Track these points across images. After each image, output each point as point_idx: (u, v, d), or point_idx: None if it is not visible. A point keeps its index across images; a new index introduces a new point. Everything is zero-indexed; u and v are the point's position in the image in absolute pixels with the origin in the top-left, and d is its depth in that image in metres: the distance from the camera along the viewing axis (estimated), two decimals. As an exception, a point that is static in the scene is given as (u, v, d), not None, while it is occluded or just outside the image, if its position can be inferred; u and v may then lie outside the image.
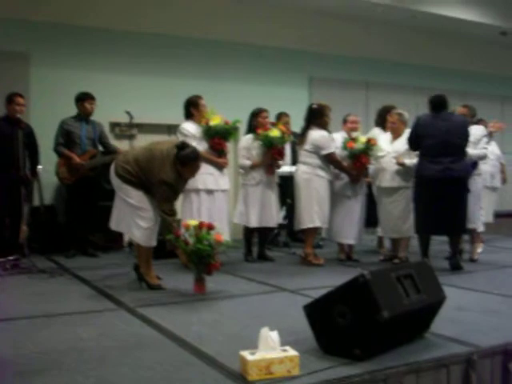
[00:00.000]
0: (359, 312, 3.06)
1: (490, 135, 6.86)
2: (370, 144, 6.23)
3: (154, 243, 5.07)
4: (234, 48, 8.88)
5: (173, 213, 4.83)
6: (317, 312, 3.27)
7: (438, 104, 5.95)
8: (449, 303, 3.70)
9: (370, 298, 3.02)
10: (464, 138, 5.84)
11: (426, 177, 5.80)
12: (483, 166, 7.70)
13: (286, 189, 7.02)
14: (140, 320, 4.01)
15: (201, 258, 4.73)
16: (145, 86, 8.02)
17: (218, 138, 5.92)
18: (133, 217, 4.92)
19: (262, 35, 9.00)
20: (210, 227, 4.83)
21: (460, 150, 5.79)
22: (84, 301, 4.62)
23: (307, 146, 6.21)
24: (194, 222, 4.86)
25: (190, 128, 5.92)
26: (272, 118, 7.37)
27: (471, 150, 6.10)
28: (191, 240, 4.73)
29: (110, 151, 6.80)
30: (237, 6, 8.79)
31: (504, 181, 8.27)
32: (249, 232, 6.55)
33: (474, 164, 6.41)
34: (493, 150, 7.93)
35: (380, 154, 6.25)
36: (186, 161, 4.74)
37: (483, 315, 4.10)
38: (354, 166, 6.28)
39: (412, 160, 6.03)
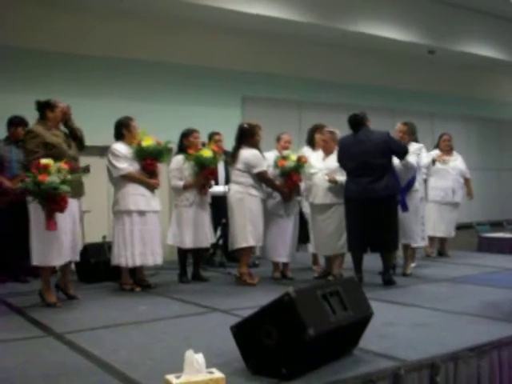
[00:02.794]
0: (285, 331, 3.04)
1: (433, 163, 7.01)
2: (301, 162, 6.27)
3: (53, 263, 5.21)
4: (166, 68, 8.84)
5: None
6: (244, 332, 3.23)
7: (355, 124, 6.07)
8: (378, 318, 3.73)
9: (295, 316, 3.00)
10: (385, 154, 5.93)
11: (349, 197, 5.96)
12: (444, 182, 7.90)
13: (220, 208, 6.98)
14: (67, 346, 3.90)
15: (49, 194, 4.82)
16: (75, 108, 7.83)
17: (150, 158, 5.84)
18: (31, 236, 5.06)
19: (194, 55, 9.00)
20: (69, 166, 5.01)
21: (380, 169, 5.87)
22: (11, 328, 4.46)
23: (239, 166, 6.20)
24: (47, 161, 4.91)
25: (121, 148, 5.83)
26: (204, 138, 7.35)
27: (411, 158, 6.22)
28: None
29: None
30: (169, 26, 8.76)
31: (471, 196, 8.40)
32: (183, 253, 6.48)
33: (411, 181, 6.49)
34: (456, 165, 8.11)
35: (312, 171, 6.28)
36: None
37: (412, 329, 4.13)
38: (285, 184, 6.29)
39: (344, 177, 6.10)
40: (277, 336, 3.05)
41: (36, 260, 5.15)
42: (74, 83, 8.01)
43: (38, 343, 4.03)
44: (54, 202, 4.88)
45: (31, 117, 5.82)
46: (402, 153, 6.07)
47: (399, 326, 4.22)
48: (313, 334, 2.97)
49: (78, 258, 5.52)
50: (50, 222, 4.91)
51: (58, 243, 5.11)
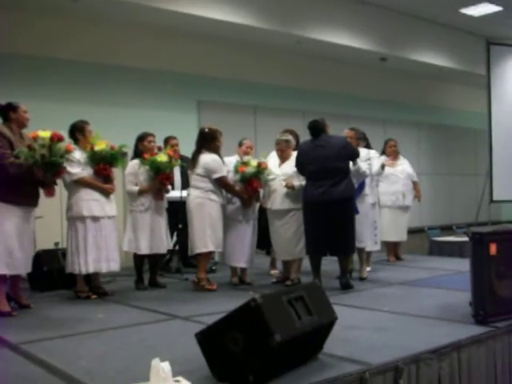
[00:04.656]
0: (251, 337, 3.02)
1: (382, 168, 7.11)
2: (261, 168, 6.27)
3: (2, 271, 5.05)
4: (122, 72, 8.73)
5: None
6: (209, 339, 3.20)
7: (315, 129, 6.14)
8: (341, 322, 3.74)
9: (262, 322, 2.99)
10: (344, 159, 6.01)
11: (308, 201, 6.00)
12: (394, 186, 8.01)
13: (177, 214, 6.93)
14: (23, 357, 3.78)
15: (52, 167, 5.06)
16: (34, 111, 7.62)
17: (104, 163, 5.75)
18: None
19: (150, 59, 8.92)
20: (60, 138, 5.15)
21: (340, 173, 5.94)
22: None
23: (199, 170, 6.16)
24: (44, 134, 5.08)
25: (75, 153, 5.70)
26: (161, 142, 7.29)
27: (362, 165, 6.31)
28: (42, 150, 4.99)
29: None
30: (125, 30, 8.67)
31: (419, 199, 8.52)
32: (139, 259, 6.40)
33: (361, 185, 6.59)
34: (404, 169, 8.24)
35: (270, 177, 6.30)
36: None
37: (373, 333, 4.17)
38: (245, 190, 6.29)
39: (301, 182, 6.14)
40: (243, 342, 3.03)
41: None
42: (27, 84, 7.83)
43: (-8, 355, 3.90)
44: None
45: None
46: (355, 157, 6.17)
47: (361, 330, 4.26)
48: (279, 339, 2.96)
49: (29, 269, 5.40)
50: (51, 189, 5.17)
51: (8, 252, 5.01)
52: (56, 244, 6.99)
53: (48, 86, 8.05)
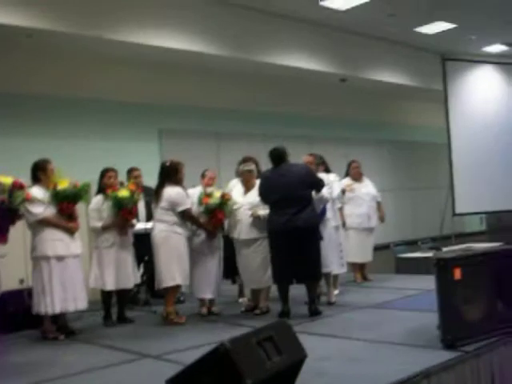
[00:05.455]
0: (223, 382, 3.01)
1: (343, 193, 7.17)
2: (225, 199, 6.28)
3: None
4: (82, 104, 8.65)
5: None
6: (180, 385, 3.18)
7: (276, 158, 6.19)
8: (311, 354, 3.72)
9: (232, 367, 2.98)
10: (306, 186, 6.05)
11: (273, 230, 6.03)
12: (359, 209, 8.07)
13: (142, 245, 6.86)
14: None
15: (10, 213, 5.05)
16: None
17: (67, 201, 5.69)
18: None
19: (109, 90, 8.86)
20: (22, 186, 5.16)
21: (303, 201, 5.98)
22: None
23: (163, 204, 6.13)
24: (6, 179, 5.04)
25: (37, 193, 5.63)
26: (124, 173, 7.25)
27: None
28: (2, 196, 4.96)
29: None
30: (83, 62, 8.61)
31: (382, 219, 8.55)
32: (106, 295, 6.32)
33: (323, 211, 6.62)
34: (368, 191, 8.30)
35: (234, 207, 6.31)
36: None
37: (345, 364, 4.20)
38: (210, 222, 6.28)
39: (266, 211, 6.16)
40: (214, 388, 3.02)
41: None
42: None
43: None
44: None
45: None
46: (320, 186, 6.22)
47: (332, 361, 4.27)
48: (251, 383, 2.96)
49: None
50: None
51: None
52: (21, 281, 6.89)
53: (6, 122, 7.93)
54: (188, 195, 6.28)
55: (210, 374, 3.04)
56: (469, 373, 4.14)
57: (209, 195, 6.29)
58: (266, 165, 6.51)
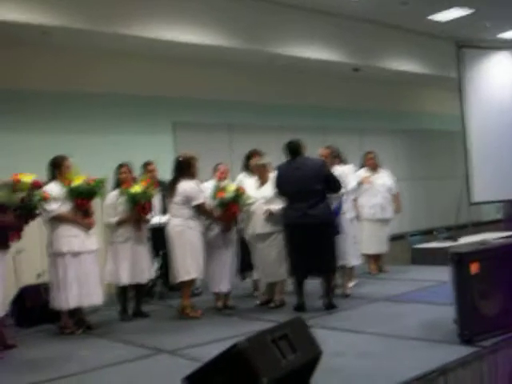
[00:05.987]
0: (239, 381, 3.02)
1: (359, 184, 7.13)
2: (239, 192, 6.27)
3: None
4: (96, 99, 8.67)
5: None
6: (196, 384, 3.19)
7: (292, 151, 6.18)
8: (326, 349, 3.73)
9: (248, 366, 2.99)
10: (321, 181, 6.01)
11: (287, 223, 6.03)
12: (373, 200, 8.03)
13: (157, 239, 6.88)
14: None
15: (27, 212, 5.12)
16: (7, 143, 7.61)
17: (82, 198, 5.72)
18: None
19: (122, 84, 8.87)
20: (40, 186, 5.25)
21: (317, 195, 5.96)
22: None
23: (177, 199, 6.14)
24: (26, 178, 5.12)
25: (53, 189, 5.67)
26: (139, 167, 7.27)
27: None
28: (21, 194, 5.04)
29: None
30: (96, 57, 8.62)
31: (398, 210, 8.51)
32: (121, 289, 6.36)
33: (340, 204, 6.59)
34: (383, 182, 8.25)
35: (249, 201, 6.31)
36: None
37: (358, 360, 4.18)
38: (224, 216, 6.28)
39: (280, 206, 6.15)
40: (230, 387, 3.03)
41: None
42: (5, 118, 7.77)
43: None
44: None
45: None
46: (336, 187, 6.18)
47: (346, 357, 4.26)
48: (266, 383, 2.96)
49: (6, 310, 5.34)
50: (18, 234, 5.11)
51: None
52: (38, 276, 6.95)
53: (20, 118, 7.98)
54: (202, 189, 6.28)
55: (225, 373, 3.05)
56: (486, 369, 4.11)
57: (223, 189, 6.29)
58: (279, 157, 6.49)
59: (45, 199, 5.28)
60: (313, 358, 3.51)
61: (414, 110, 13.72)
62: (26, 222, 5.18)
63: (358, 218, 7.70)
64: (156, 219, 6.86)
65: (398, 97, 13.29)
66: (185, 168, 6.22)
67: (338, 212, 6.47)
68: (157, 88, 9.24)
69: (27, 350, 5.25)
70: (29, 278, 6.91)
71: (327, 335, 4.85)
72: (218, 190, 6.31)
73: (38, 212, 5.26)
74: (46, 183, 5.64)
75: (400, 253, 10.36)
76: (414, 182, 13.06)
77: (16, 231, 5.14)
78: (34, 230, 6.26)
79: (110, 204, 6.27)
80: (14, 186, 5.03)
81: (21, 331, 5.97)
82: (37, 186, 5.14)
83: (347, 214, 6.80)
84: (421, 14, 10.93)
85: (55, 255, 5.70)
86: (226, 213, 6.26)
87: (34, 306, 6.32)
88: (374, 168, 8.28)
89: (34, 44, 7.95)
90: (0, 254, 5.15)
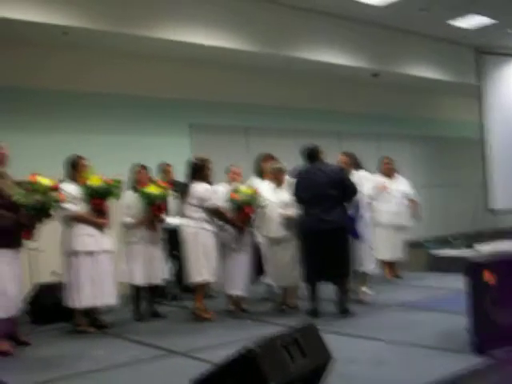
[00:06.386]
0: (248, 385, 3.02)
1: (375, 191, 7.10)
2: (253, 194, 6.28)
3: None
4: (113, 100, 8.72)
5: None
6: (205, 387, 3.19)
7: (309, 156, 6.19)
8: (338, 355, 3.71)
9: (257, 370, 2.98)
10: (338, 186, 6.00)
11: (302, 228, 6.04)
12: (388, 205, 8.00)
13: (172, 240, 6.91)
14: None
15: (41, 213, 5.11)
16: (22, 143, 7.68)
17: (97, 198, 5.76)
18: None
19: (140, 85, 8.91)
20: (57, 188, 5.23)
21: (333, 200, 5.95)
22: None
23: (191, 201, 6.17)
24: (44, 180, 5.13)
25: (69, 188, 5.72)
26: (155, 168, 7.30)
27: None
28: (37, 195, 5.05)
29: None
30: (114, 58, 8.66)
31: (415, 217, 8.46)
32: (135, 290, 6.39)
33: (357, 209, 6.57)
34: (399, 187, 8.22)
35: (264, 204, 6.31)
36: None
37: (371, 367, 4.17)
38: (238, 217, 6.29)
39: (295, 210, 6.16)
40: (239, 391, 3.03)
41: None
42: (20, 118, 7.84)
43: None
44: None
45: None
46: (352, 195, 6.15)
47: (359, 364, 4.25)
48: (275, 388, 2.96)
49: (19, 309, 5.36)
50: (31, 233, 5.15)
51: (3, 294, 5.02)
52: (53, 273, 7.00)
53: (43, 118, 8.06)
54: (216, 191, 6.30)
55: (234, 377, 3.04)
56: (498, 378, 4.08)
57: (236, 190, 6.30)
58: (295, 161, 6.49)
59: (60, 201, 5.32)
60: (323, 363, 3.49)
61: (432, 116, 13.63)
62: (41, 222, 5.20)
63: (373, 223, 7.69)
64: (171, 220, 6.89)
65: (416, 103, 13.21)
66: (199, 170, 6.25)
67: (355, 217, 6.46)
68: (174, 90, 9.26)
69: (41, 348, 5.30)
70: (44, 276, 6.97)
71: (340, 341, 4.85)
72: (231, 191, 6.32)
73: (52, 213, 5.27)
74: (61, 182, 5.69)
75: (416, 259, 10.27)
76: (431, 188, 12.96)
77: (28, 230, 5.17)
78: (50, 229, 6.33)
79: (125, 204, 6.30)
80: (31, 186, 5.06)
81: (36, 328, 6.02)
82: (54, 188, 5.16)
83: (364, 218, 6.78)
84: (441, 20, 10.87)
85: (70, 254, 5.75)
86: (240, 215, 6.27)
87: (49, 304, 6.37)
88: (390, 174, 8.25)
89: (53, 44, 8.01)
90: (14, 252, 5.20)
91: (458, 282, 7.11)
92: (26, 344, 5.35)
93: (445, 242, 11.07)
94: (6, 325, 5.23)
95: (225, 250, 6.36)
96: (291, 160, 6.80)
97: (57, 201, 5.24)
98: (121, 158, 7.33)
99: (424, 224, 11.47)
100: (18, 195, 5.02)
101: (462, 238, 11.07)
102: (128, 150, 8.28)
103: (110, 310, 6.49)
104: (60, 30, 7.48)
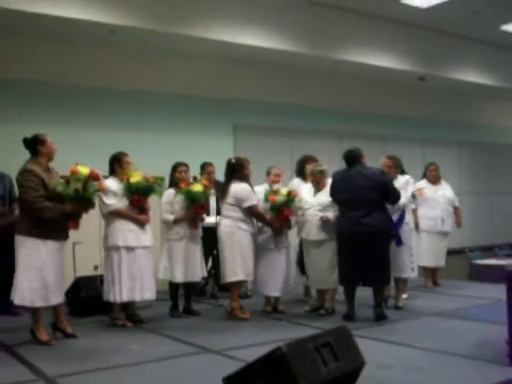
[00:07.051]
0: (278, 385, 3.03)
1: (413, 197, 7.02)
2: (292, 196, 6.27)
3: (36, 304, 5.16)
4: (157, 98, 8.86)
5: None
6: (236, 385, 3.21)
7: (350, 160, 6.13)
8: (371, 360, 3.71)
9: (288, 371, 2.99)
10: (378, 190, 5.94)
11: (341, 232, 6.01)
12: (432, 212, 7.91)
13: (212, 239, 6.95)
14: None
15: (83, 202, 5.16)
16: (64, 139, 7.81)
17: (139, 194, 5.83)
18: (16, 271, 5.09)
19: (185, 84, 9.00)
20: (97, 177, 5.26)
21: (373, 203, 5.90)
22: (1, 371, 4.39)
23: (229, 200, 6.20)
24: (83, 169, 5.18)
25: (111, 184, 5.81)
26: (197, 168, 7.36)
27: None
28: (76, 184, 5.12)
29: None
30: (160, 56, 8.79)
31: (459, 225, 8.39)
32: (174, 287, 6.45)
33: (402, 216, 6.51)
34: (444, 193, 8.12)
35: (305, 206, 6.29)
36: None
37: (405, 374, 4.11)
38: (276, 219, 6.29)
39: (336, 213, 6.14)
40: (269, 390, 3.04)
41: (18, 299, 5.14)
42: (63, 113, 8.03)
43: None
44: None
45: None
46: (395, 199, 6.11)
47: (392, 370, 4.20)
48: (305, 389, 2.96)
49: (62, 300, 5.46)
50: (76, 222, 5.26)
51: (44, 284, 5.13)
52: (95, 267, 7.14)
53: (85, 113, 8.25)
54: (254, 191, 6.31)
55: (265, 376, 3.07)
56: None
57: (275, 192, 6.30)
58: (339, 164, 6.45)
59: (100, 190, 5.38)
60: (355, 368, 3.48)
61: (479, 122, 13.39)
62: (83, 210, 5.28)
63: (417, 229, 7.61)
64: (211, 219, 6.94)
65: (463, 107, 13.00)
66: (237, 170, 6.28)
67: (399, 223, 6.40)
68: (219, 89, 9.33)
69: (78, 339, 5.38)
70: (86, 270, 7.12)
71: (375, 346, 4.83)
72: (270, 192, 6.32)
73: (93, 202, 5.33)
74: (105, 178, 5.79)
75: (458, 268, 10.12)
76: (476, 196, 12.75)
77: (74, 220, 5.27)
78: (92, 223, 6.48)
79: (167, 201, 6.37)
80: (71, 176, 5.15)
81: (74, 320, 6.13)
82: (93, 176, 5.23)
83: (406, 225, 6.70)
84: (493, 24, 10.67)
85: (110, 249, 5.83)
86: (279, 216, 6.27)
87: (89, 297, 6.51)
88: (435, 180, 8.15)
89: (99, 41, 8.17)
90: (59, 244, 5.31)
91: (499, 292, 7.01)
92: (73, 336, 5.42)
93: (489, 251, 10.84)
94: (57, 313, 5.39)
95: (261, 250, 6.37)
96: (335, 163, 6.76)
97: (97, 189, 5.30)
98: (163, 156, 7.40)
99: (467, 232, 11.31)
100: (57, 185, 5.12)
101: (508, 248, 10.83)
102: (171, 148, 8.40)
103: (147, 305, 6.59)
104: (108, 28, 7.61)
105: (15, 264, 5.15)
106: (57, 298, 5.32)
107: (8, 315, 6.45)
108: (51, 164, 5.40)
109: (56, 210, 5.11)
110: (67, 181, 5.18)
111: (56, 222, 5.15)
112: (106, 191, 5.61)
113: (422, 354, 4.65)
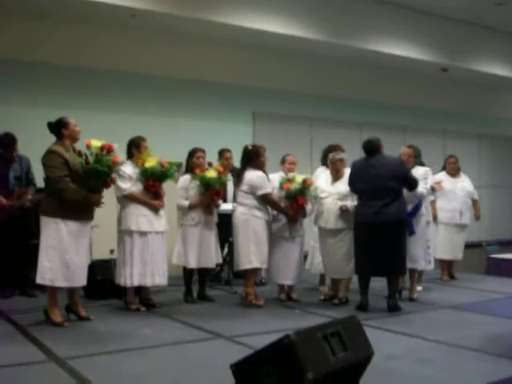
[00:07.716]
0: (285, 373, 3.03)
1: (432, 190, 6.96)
2: (306, 184, 6.24)
3: (58, 284, 5.21)
4: (177, 84, 8.86)
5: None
6: (244, 371, 3.23)
7: (369, 149, 6.08)
8: (382, 350, 3.70)
9: (295, 358, 2.99)
10: (396, 179, 5.91)
11: (359, 221, 5.96)
12: (451, 204, 7.85)
13: (228, 226, 6.96)
14: (68, 374, 3.87)
15: (99, 177, 5.16)
16: (84, 122, 7.86)
17: (153, 179, 5.85)
18: (40, 251, 5.14)
19: (205, 71, 9.00)
20: (110, 149, 5.20)
21: (392, 194, 5.87)
22: (14, 351, 4.45)
23: (244, 187, 6.20)
24: (96, 143, 5.18)
25: (127, 168, 5.83)
26: (215, 154, 7.37)
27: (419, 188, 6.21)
28: (91, 159, 5.16)
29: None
30: (180, 41, 8.79)
31: (477, 217, 8.35)
32: (188, 272, 6.47)
33: (418, 206, 6.47)
34: (463, 186, 8.06)
35: (322, 195, 6.28)
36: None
37: (415, 366, 4.09)
38: (291, 207, 6.28)
39: (354, 202, 6.12)
40: (277, 378, 3.05)
41: (40, 278, 5.19)
42: (83, 96, 8.08)
43: (40, 369, 4.04)
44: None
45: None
46: (413, 185, 6.08)
47: (402, 361, 4.19)
48: (312, 377, 2.96)
49: (84, 282, 5.47)
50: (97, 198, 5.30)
51: (66, 265, 5.16)
52: (112, 251, 7.17)
53: (103, 97, 8.31)
54: (269, 179, 6.30)
55: (272, 364, 3.07)
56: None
57: (290, 180, 6.28)
58: (359, 154, 6.41)
59: (114, 163, 5.31)
60: (364, 358, 3.47)
61: (502, 114, 13.23)
62: (104, 185, 5.31)
63: (435, 221, 7.55)
64: (228, 206, 6.95)
65: (485, 100, 12.84)
66: (253, 157, 6.26)
67: (414, 213, 6.36)
68: (239, 76, 9.32)
69: (91, 322, 5.42)
70: (103, 253, 7.16)
71: (386, 337, 4.83)
72: (285, 181, 6.31)
73: (110, 175, 5.30)
74: (122, 162, 5.78)
75: (475, 261, 10.04)
76: (496, 189, 12.61)
77: (95, 196, 5.27)
78: (110, 207, 6.48)
79: (182, 187, 6.37)
80: (86, 149, 5.20)
81: (88, 303, 6.18)
82: (105, 149, 5.21)
83: (425, 217, 6.66)
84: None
85: (123, 232, 5.86)
86: (293, 205, 6.25)
87: (104, 280, 6.54)
88: (455, 173, 8.07)
89: (119, 25, 8.19)
90: (82, 225, 5.32)
91: (514, 287, 6.97)
92: (87, 319, 5.45)
93: (507, 245, 10.75)
94: (71, 295, 5.45)
95: (276, 238, 6.37)
96: (355, 153, 6.72)
97: (110, 162, 5.24)
98: (183, 142, 7.40)
99: (486, 226, 11.22)
100: (74, 159, 5.17)
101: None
102: (190, 133, 8.40)
103: (160, 290, 6.62)
104: (129, 12, 7.61)
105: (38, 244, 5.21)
106: (81, 279, 5.36)
107: (25, 296, 6.54)
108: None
109: (79, 193, 5.14)
110: (79, 153, 5.23)
111: (77, 203, 5.18)
112: (120, 165, 5.56)
113: (433, 347, 4.62)
